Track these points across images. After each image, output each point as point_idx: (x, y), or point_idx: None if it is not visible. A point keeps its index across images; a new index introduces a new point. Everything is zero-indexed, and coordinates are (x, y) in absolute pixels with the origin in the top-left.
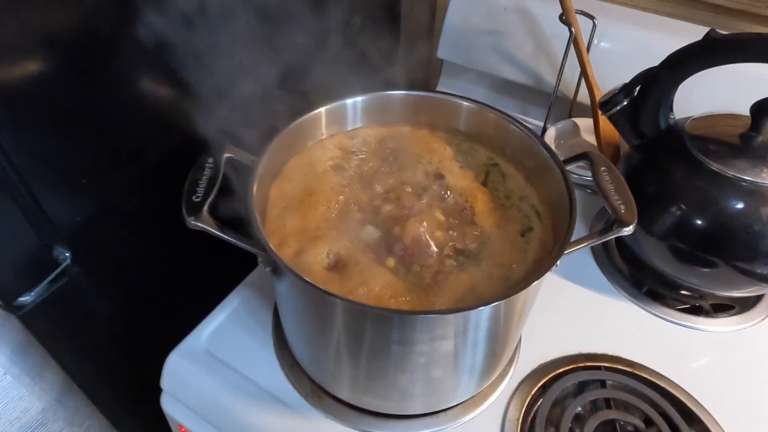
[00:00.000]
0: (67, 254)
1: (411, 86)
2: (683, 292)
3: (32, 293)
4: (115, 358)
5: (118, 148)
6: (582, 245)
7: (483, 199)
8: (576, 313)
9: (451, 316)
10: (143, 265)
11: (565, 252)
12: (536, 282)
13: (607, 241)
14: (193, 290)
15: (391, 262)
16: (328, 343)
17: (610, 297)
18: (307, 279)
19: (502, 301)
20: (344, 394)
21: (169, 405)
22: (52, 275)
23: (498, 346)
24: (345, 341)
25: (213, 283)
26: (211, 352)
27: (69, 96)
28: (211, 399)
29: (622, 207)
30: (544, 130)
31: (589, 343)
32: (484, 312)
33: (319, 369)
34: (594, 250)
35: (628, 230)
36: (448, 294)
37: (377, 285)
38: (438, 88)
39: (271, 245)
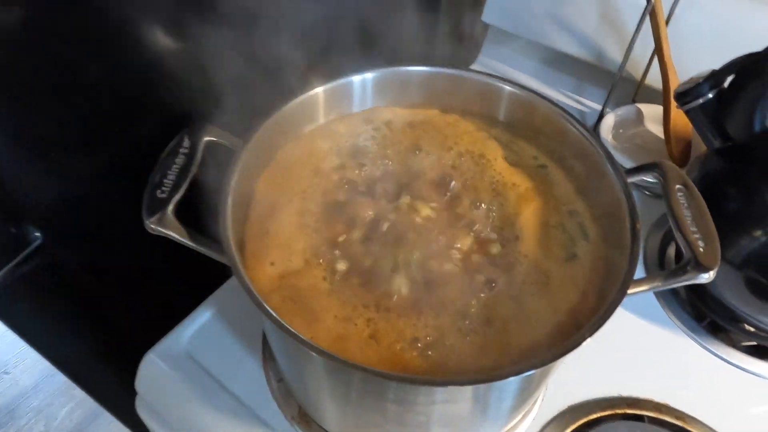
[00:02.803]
0: (37, 234)
1: (449, 53)
2: (751, 329)
3: None
4: (96, 344)
5: (92, 124)
6: (639, 290)
7: (535, 212)
8: (618, 345)
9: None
10: (129, 248)
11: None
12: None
13: (665, 254)
14: (185, 279)
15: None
16: (314, 386)
17: (662, 327)
18: (278, 318)
19: (527, 373)
20: (333, 430)
21: (143, 411)
22: (20, 257)
23: (520, 401)
24: (331, 389)
25: (207, 273)
26: (192, 356)
27: (29, 61)
28: (185, 411)
29: (701, 244)
30: (602, 114)
31: (631, 384)
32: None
33: (306, 401)
34: (646, 265)
35: (706, 277)
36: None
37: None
38: (481, 57)
39: (246, 257)
